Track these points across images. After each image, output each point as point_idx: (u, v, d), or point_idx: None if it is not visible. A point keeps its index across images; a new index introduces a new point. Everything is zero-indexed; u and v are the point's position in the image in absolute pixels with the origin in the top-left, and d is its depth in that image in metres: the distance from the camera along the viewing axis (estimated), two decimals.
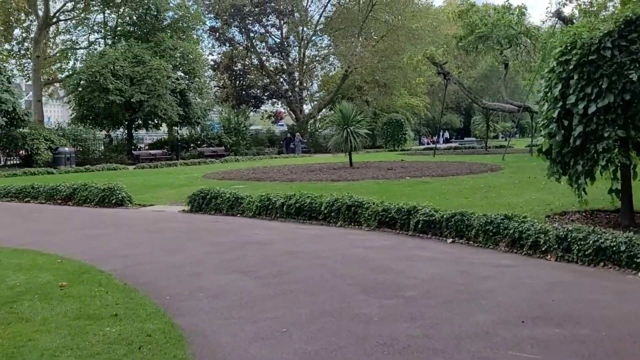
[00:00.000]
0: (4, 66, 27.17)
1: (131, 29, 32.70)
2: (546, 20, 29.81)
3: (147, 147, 34.82)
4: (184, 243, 7.68)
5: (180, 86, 30.72)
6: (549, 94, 8.38)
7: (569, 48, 8.13)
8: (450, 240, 7.96)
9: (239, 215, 10.97)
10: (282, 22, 43.33)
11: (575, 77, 7.85)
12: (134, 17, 32.51)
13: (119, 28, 33.11)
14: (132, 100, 27.64)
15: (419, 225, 8.41)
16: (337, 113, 19.80)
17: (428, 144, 62.49)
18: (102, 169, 23.87)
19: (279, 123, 52.40)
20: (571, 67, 7.93)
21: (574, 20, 25.21)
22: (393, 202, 9.12)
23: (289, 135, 42.38)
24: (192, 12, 33.45)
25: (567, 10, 25.03)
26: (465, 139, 55.75)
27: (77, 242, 7.99)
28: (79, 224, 9.81)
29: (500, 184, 13.89)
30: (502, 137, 62.93)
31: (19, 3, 32.58)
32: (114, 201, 12.15)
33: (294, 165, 23.29)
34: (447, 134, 68.57)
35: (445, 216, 8.19)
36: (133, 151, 30.74)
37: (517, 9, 26.34)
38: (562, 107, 8.01)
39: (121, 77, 28.08)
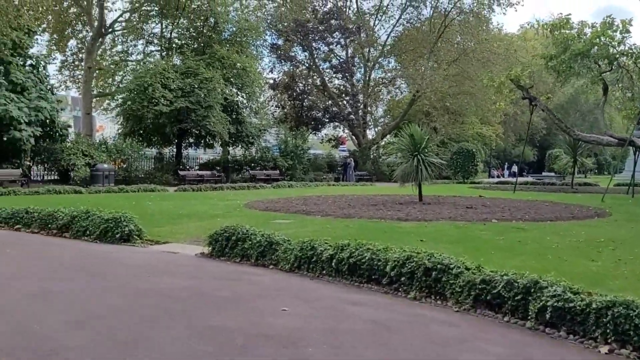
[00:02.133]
0: (46, 75, 25.79)
1: (188, 42, 31.02)
2: None
3: (197, 168, 32.72)
4: (158, 326, 4.76)
5: (232, 99, 28.66)
6: None
7: None
8: (605, 349, 4.68)
9: (271, 266, 8.06)
10: (348, 40, 40.78)
11: None
12: (191, 29, 30.82)
13: (175, 40, 31.51)
14: (178, 106, 25.65)
15: (546, 315, 5.18)
16: (405, 138, 16.70)
17: (498, 176, 58.48)
18: (138, 189, 21.60)
19: (341, 148, 49.85)
20: None
21: None
22: (498, 271, 5.91)
23: (347, 161, 39.50)
24: (251, 22, 31.34)
25: None
26: (543, 173, 51.18)
27: (7, 309, 5.26)
28: (47, 270, 7.17)
29: (624, 238, 10.35)
30: (580, 173, 57.70)
31: (77, 14, 31.65)
32: (118, 235, 9.53)
33: (352, 196, 20.25)
34: (515, 167, 64.67)
35: (594, 305, 4.90)
36: (180, 171, 28.59)
37: (622, 25, 22.43)
38: None
39: (173, 90, 26.24)
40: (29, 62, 24.29)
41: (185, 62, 28.07)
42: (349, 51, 42.40)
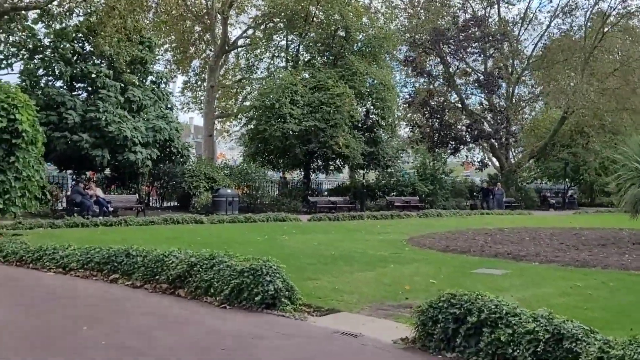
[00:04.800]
0: (169, 92, 23.70)
1: (316, 54, 27.98)
2: None
3: (326, 193, 29.25)
4: None
5: (360, 115, 25.47)
6: None
7: None
8: None
9: None
10: (493, 49, 35.85)
11: None
12: (318, 44, 27.76)
13: (303, 54, 28.62)
14: (305, 124, 22.61)
15: None
16: (633, 148, 11.83)
17: None
18: (267, 219, 18.17)
19: (465, 173, 44.77)
20: None
21: None
22: None
23: (491, 187, 34.23)
24: (386, 32, 27.61)
25: None
26: None
27: None
28: None
29: None
30: None
31: (201, 33, 29.96)
32: (258, 298, 5.84)
33: (549, 231, 15.16)
34: None
35: None
36: (309, 197, 25.21)
37: None
38: None
39: (301, 106, 23.19)
40: (149, 78, 22.31)
41: (316, 76, 24.96)
42: (490, 64, 37.46)
